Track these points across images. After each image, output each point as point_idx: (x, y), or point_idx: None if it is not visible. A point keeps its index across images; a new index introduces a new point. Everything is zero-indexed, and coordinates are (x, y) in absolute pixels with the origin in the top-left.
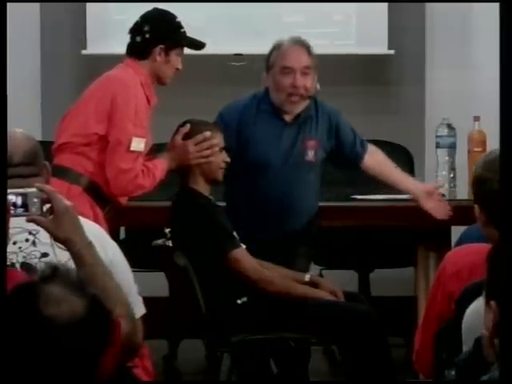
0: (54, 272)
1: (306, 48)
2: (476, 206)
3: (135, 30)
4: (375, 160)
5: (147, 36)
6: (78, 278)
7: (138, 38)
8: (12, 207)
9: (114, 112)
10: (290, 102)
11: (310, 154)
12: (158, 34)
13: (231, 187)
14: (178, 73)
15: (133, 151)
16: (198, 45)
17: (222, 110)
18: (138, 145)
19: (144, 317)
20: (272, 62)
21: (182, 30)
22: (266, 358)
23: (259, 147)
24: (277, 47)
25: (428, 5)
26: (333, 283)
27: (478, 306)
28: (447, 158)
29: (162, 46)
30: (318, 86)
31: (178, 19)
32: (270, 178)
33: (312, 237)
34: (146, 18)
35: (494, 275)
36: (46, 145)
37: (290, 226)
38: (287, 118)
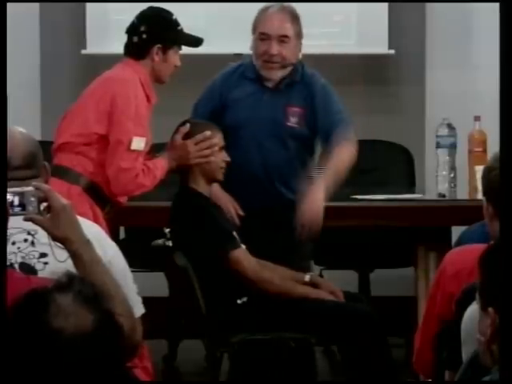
0: (70, 281)
1: (290, 15)
2: (484, 198)
3: (132, 31)
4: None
5: (144, 36)
6: (93, 290)
7: (135, 39)
8: (9, 206)
9: (114, 111)
10: (266, 69)
11: (293, 120)
12: (154, 33)
13: None
14: (177, 69)
15: (133, 150)
16: (196, 42)
17: (215, 77)
18: (139, 144)
19: (144, 317)
20: (254, 26)
21: (179, 28)
22: (266, 358)
23: (236, 110)
24: (261, 11)
25: (428, 5)
26: (333, 283)
27: (476, 307)
28: (447, 157)
29: (159, 46)
30: (300, 55)
31: (175, 17)
32: (245, 143)
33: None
34: (142, 17)
35: (487, 279)
36: (45, 145)
37: (274, 191)
38: (269, 83)
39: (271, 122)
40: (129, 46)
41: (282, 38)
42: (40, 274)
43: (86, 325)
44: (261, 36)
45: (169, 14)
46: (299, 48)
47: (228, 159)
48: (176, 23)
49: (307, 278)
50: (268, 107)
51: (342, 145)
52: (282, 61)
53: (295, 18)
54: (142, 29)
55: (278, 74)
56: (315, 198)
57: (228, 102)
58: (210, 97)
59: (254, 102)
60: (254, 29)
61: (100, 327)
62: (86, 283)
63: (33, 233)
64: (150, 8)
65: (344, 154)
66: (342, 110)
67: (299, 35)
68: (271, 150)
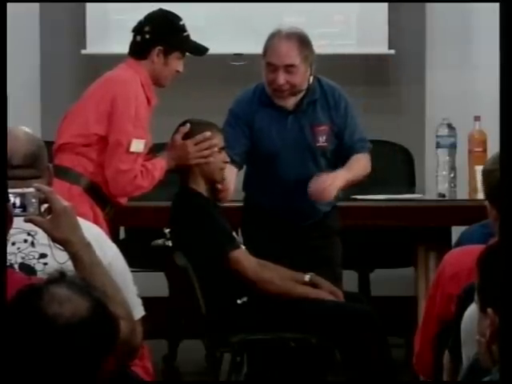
0: (63, 275)
1: (297, 41)
2: (486, 201)
3: (137, 30)
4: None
5: (147, 36)
6: (84, 281)
7: (138, 38)
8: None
9: (114, 113)
10: (277, 97)
11: (321, 140)
12: (157, 35)
13: (251, 178)
14: (178, 75)
15: (132, 152)
16: (199, 50)
17: (232, 106)
18: (138, 146)
19: (144, 317)
20: (263, 52)
21: (185, 34)
22: (266, 358)
23: (266, 138)
24: (269, 38)
25: (428, 5)
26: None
27: (475, 308)
28: (447, 157)
29: (160, 48)
30: (311, 79)
31: (183, 22)
32: (280, 168)
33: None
34: (148, 18)
35: (486, 280)
36: (45, 145)
37: (311, 208)
38: (288, 106)
39: (301, 145)
40: (132, 45)
41: (289, 68)
42: (39, 275)
43: (81, 310)
44: (268, 66)
45: (177, 18)
46: (310, 71)
47: (228, 160)
48: (182, 29)
49: (307, 278)
50: (295, 130)
51: (361, 155)
52: (291, 89)
53: (303, 43)
54: (146, 29)
55: (290, 102)
56: (333, 175)
57: (254, 131)
58: (240, 130)
59: (280, 128)
60: (264, 55)
61: (94, 314)
62: (76, 275)
63: (33, 233)
64: (160, 10)
65: (362, 161)
66: (362, 134)
67: (308, 58)
68: (305, 170)
